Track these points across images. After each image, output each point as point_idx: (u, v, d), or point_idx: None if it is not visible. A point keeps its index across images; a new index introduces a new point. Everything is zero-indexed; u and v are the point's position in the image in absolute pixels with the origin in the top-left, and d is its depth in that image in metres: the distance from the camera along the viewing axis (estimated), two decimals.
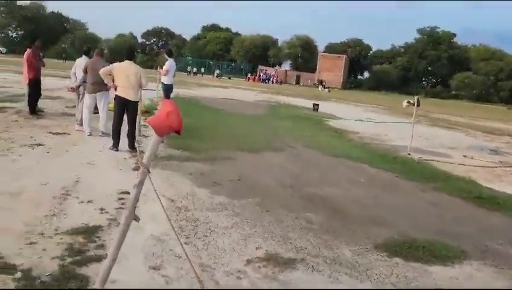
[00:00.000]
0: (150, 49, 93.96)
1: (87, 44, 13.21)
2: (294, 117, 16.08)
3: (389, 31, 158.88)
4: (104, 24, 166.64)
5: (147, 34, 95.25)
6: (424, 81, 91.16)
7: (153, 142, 2.30)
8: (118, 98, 7.21)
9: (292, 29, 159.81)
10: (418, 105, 36.21)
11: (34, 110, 9.84)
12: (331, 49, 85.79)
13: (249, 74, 68.77)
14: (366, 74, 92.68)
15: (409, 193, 6.51)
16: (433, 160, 9.49)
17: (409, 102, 36.04)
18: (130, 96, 7.16)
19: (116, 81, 7.22)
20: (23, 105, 10.56)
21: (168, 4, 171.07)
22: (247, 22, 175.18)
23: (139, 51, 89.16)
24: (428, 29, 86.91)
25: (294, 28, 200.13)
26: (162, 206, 2.69)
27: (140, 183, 2.30)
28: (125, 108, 7.22)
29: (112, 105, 12.29)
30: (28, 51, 9.63)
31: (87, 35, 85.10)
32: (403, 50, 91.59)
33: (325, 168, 7.55)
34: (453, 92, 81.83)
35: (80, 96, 8.82)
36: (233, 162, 7.32)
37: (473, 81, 79.31)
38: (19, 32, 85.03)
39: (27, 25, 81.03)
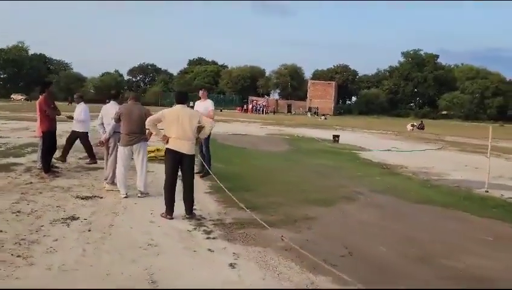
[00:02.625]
0: (137, 86, 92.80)
1: (114, 89, 11.63)
2: (322, 152, 14.75)
3: (370, 56, 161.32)
4: (88, 64, 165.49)
5: (132, 71, 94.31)
6: (412, 102, 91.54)
7: None
8: (169, 153, 5.73)
9: (277, 59, 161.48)
10: (423, 128, 35.63)
11: (49, 168, 8.28)
12: (319, 76, 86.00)
13: (245, 105, 67.82)
14: (353, 99, 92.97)
15: None
16: None
17: (413, 125, 35.37)
18: (185, 148, 5.69)
19: (166, 131, 5.77)
20: (31, 160, 9.00)
21: (153, 40, 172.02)
22: (232, 54, 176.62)
23: (125, 88, 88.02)
24: (412, 52, 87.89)
25: (279, 58, 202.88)
26: None
27: None
28: (179, 164, 5.73)
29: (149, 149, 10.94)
30: (41, 98, 8.14)
31: (71, 75, 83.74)
32: (388, 73, 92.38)
33: (428, 224, 6.13)
34: (443, 112, 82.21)
35: (110, 150, 7.31)
36: (318, 223, 5.85)
37: (461, 101, 79.85)
38: (2, 76, 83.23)
39: (10, 68, 79.39)
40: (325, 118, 51.72)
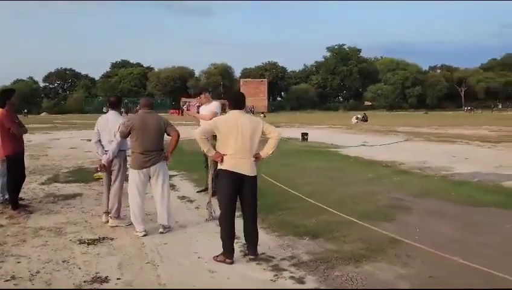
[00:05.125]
0: (55, 93, 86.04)
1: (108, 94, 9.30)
2: (305, 152, 13.75)
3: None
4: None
5: (49, 77, 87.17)
6: (340, 96, 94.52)
7: None
8: (226, 176, 4.28)
9: (205, 59, 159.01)
10: (367, 120, 36.29)
11: (18, 202, 6.37)
12: (248, 74, 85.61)
13: (185, 106, 64.84)
14: (283, 95, 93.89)
15: None
16: None
17: (357, 118, 35.81)
18: (246, 168, 4.28)
19: (221, 146, 4.33)
20: None
21: (69, 43, 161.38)
22: (157, 56, 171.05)
23: (42, 96, 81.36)
24: (336, 47, 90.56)
25: (207, 58, 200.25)
26: None
27: None
28: (240, 190, 4.31)
29: (101, 174, 9.09)
30: (1, 112, 6.18)
31: None
32: (315, 68, 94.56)
33: (501, 233, 5.27)
34: (368, 103, 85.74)
35: (114, 174, 5.62)
36: (406, 247, 4.74)
37: (385, 92, 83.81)
38: None
39: None
40: (264, 116, 51.10)
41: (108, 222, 5.64)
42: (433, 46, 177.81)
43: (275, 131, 4.40)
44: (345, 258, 4.35)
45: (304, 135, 17.82)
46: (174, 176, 9.07)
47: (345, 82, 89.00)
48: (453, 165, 10.71)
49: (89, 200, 7.15)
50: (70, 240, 5.04)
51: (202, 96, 7.48)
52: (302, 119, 44.76)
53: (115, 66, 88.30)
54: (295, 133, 20.13)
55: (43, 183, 8.55)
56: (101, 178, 8.90)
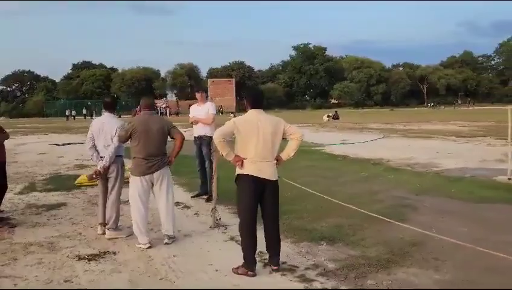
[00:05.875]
0: (13, 96, 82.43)
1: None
2: None
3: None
4: None
5: (6, 80, 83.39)
6: (307, 94, 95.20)
7: None
8: (247, 181, 3.93)
9: (171, 60, 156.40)
10: (338, 118, 36.58)
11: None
12: (215, 74, 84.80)
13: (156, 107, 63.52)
14: None
15: None
16: None
17: (328, 116, 35.96)
18: (268, 172, 3.96)
19: (240, 148, 3.99)
20: None
21: (26, 45, 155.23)
22: (120, 57, 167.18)
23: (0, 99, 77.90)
24: (302, 45, 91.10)
25: (172, 58, 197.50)
26: None
27: None
28: (262, 196, 3.99)
29: (82, 180, 8.53)
30: None
31: None
32: (281, 68, 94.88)
33: None
34: (335, 101, 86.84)
35: (111, 182, 5.15)
36: (430, 249, 4.56)
37: (351, 90, 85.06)
38: None
39: None
40: (234, 116, 50.75)
41: (105, 234, 5.19)
42: (393, 44, 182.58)
43: (297, 131, 4.10)
44: (372, 265, 4.11)
45: None
46: None
47: (312, 81, 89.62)
48: (439, 161, 10.76)
49: (75, 209, 6.63)
50: (68, 256, 4.57)
51: (198, 95, 7.07)
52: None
53: (76, 67, 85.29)
54: None
55: (20, 193, 7.92)
56: (83, 185, 8.41)
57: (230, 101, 71.82)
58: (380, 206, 6.23)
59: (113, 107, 5.37)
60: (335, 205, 6.13)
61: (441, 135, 18.49)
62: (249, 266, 3.94)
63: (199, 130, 7.03)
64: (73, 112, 61.15)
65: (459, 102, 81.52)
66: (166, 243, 4.85)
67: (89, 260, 4.44)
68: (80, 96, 75.22)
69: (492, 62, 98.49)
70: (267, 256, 4.19)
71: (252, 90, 4.80)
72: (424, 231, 4.91)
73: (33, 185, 8.80)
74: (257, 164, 3.91)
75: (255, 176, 3.91)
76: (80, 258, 4.49)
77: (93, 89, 78.38)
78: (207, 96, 7.23)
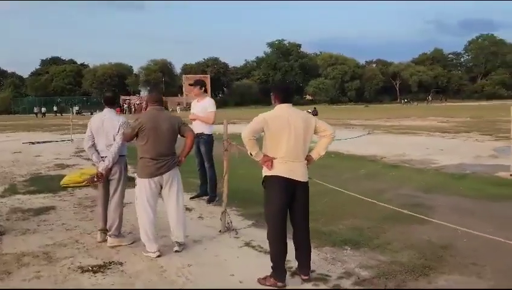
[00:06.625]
0: None
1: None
2: None
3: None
4: None
5: None
6: None
7: None
8: (277, 183, 3.56)
9: (144, 55, 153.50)
10: (317, 114, 36.78)
11: None
12: (189, 70, 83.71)
13: (126, 104, 61.90)
14: (225, 91, 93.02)
15: None
16: None
17: (308, 112, 35.82)
18: (299, 173, 3.59)
19: (270, 147, 3.60)
20: None
21: None
22: (90, 52, 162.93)
23: None
24: (276, 42, 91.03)
25: (146, 54, 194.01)
26: None
27: None
28: (292, 199, 3.62)
29: (67, 181, 7.96)
30: None
31: None
32: (256, 64, 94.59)
33: None
34: (310, 98, 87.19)
35: (114, 184, 4.67)
36: (465, 251, 4.32)
37: (326, 86, 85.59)
38: None
39: None
40: None
41: (105, 241, 4.71)
42: (364, 41, 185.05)
43: (329, 129, 3.74)
44: (408, 271, 3.81)
45: None
46: None
47: (287, 77, 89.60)
48: (434, 158, 10.66)
49: (66, 213, 6.09)
50: (69, 268, 4.08)
51: (195, 90, 6.62)
52: (250, 115, 44.09)
53: (45, 63, 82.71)
54: None
55: (1, 196, 7.28)
56: (70, 186, 7.83)
57: None
58: (392, 206, 5.95)
59: (114, 102, 4.88)
60: (346, 205, 5.86)
61: (425, 131, 18.56)
62: (278, 276, 3.57)
63: (197, 128, 6.60)
64: (43, 109, 58.96)
65: (431, 98, 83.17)
66: (176, 251, 4.43)
67: (94, 272, 3.97)
68: (50, 93, 72.87)
69: (462, 59, 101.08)
70: (291, 264, 3.84)
71: (281, 84, 4.43)
72: (450, 232, 4.68)
73: (14, 187, 8.14)
74: (288, 164, 3.54)
75: (287, 178, 3.54)
76: (83, 270, 4.02)
77: (63, 85, 76.24)
78: (205, 90, 6.74)
